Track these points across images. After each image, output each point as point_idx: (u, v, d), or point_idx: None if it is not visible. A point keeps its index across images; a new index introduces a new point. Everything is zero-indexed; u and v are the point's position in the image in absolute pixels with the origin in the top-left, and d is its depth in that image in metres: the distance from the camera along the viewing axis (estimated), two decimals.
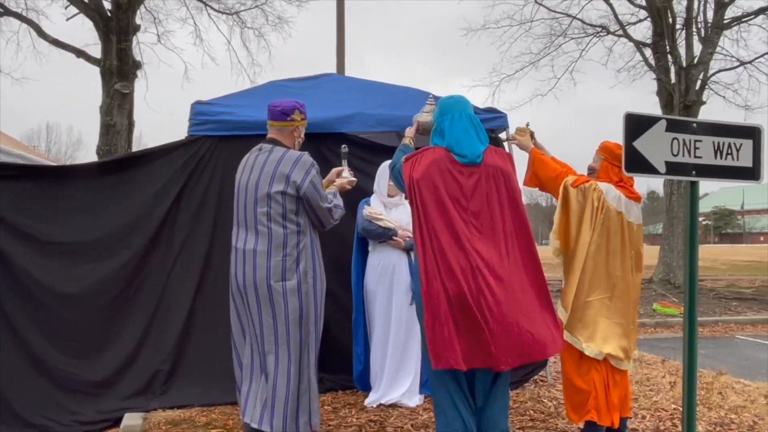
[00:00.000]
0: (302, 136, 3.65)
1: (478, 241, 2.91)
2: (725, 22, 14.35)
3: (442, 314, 2.83)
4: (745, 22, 14.72)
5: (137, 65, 10.73)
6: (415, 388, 4.62)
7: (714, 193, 75.63)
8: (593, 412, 3.47)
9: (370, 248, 4.76)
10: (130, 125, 10.34)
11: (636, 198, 3.70)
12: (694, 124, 3.20)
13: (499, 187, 3.04)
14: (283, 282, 3.30)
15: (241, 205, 3.45)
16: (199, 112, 4.89)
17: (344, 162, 3.90)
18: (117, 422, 4.18)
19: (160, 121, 19.92)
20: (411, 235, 4.58)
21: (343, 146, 3.96)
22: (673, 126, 3.13)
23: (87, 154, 47.29)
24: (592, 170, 3.83)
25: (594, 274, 3.53)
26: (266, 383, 3.32)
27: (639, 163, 3.06)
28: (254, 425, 3.34)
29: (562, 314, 3.52)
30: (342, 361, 4.88)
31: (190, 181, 4.80)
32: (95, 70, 10.71)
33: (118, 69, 10.21)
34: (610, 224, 3.55)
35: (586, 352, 3.46)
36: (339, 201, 3.64)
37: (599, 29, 15.80)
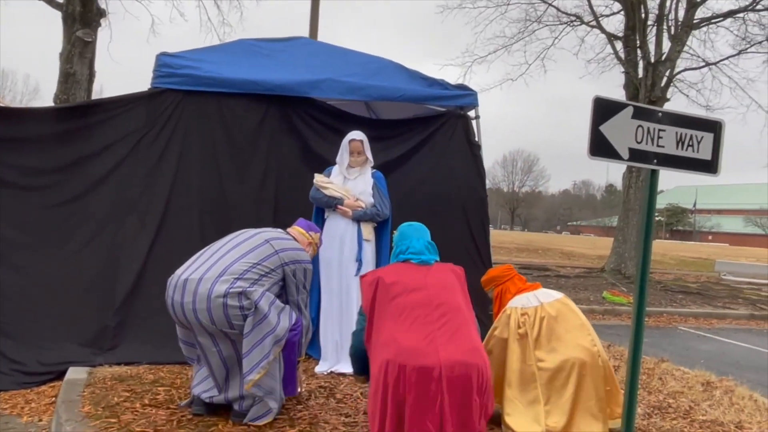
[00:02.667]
0: (309, 255, 3.75)
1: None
2: (695, 21, 14.62)
3: None
4: (714, 23, 15.04)
5: (101, 13, 10.29)
6: None
7: (669, 191, 77.86)
8: None
9: (325, 216, 4.73)
10: (91, 75, 9.95)
11: (536, 286, 3.80)
12: (660, 114, 3.24)
13: (450, 278, 3.11)
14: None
15: (230, 237, 3.53)
16: (164, 63, 4.74)
17: None
18: (61, 375, 4.09)
19: (122, 74, 19.32)
20: (363, 204, 4.58)
21: None
22: (639, 113, 3.17)
23: (44, 103, 45.49)
24: (492, 301, 3.94)
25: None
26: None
27: (603, 148, 3.09)
28: None
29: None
30: None
31: (150, 134, 4.67)
32: (56, 15, 10.26)
33: (81, 15, 9.77)
34: (546, 320, 3.55)
35: None
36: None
37: (573, 18, 15.94)
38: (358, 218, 4.58)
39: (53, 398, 3.85)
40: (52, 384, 4.09)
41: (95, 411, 3.43)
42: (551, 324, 3.55)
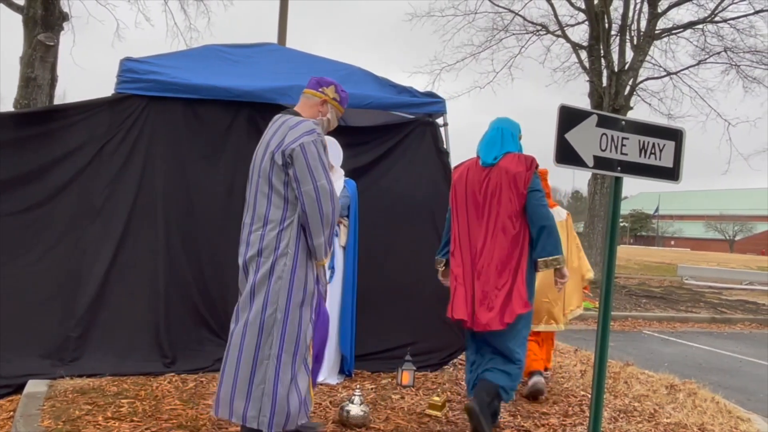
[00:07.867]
0: (329, 116, 3.36)
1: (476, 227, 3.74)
2: (656, 32, 15.00)
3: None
4: (675, 34, 15.46)
5: (64, 17, 10.09)
6: (336, 366, 4.62)
7: (633, 197, 79.38)
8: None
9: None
10: (53, 80, 9.73)
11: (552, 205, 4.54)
12: (623, 122, 3.31)
13: (502, 183, 3.66)
14: (273, 257, 2.99)
15: (253, 180, 3.14)
16: (129, 69, 4.65)
17: None
18: (20, 388, 3.96)
19: (86, 79, 18.93)
20: None
21: None
22: (603, 122, 3.22)
23: (4, 108, 44.45)
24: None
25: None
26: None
27: (569, 155, 3.13)
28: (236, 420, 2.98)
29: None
30: None
31: (114, 140, 4.57)
32: (17, 18, 10.02)
33: (43, 19, 9.57)
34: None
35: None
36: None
37: (539, 28, 16.19)
38: None
39: (11, 412, 3.73)
40: (10, 398, 3.96)
41: (56, 425, 3.33)
42: None
